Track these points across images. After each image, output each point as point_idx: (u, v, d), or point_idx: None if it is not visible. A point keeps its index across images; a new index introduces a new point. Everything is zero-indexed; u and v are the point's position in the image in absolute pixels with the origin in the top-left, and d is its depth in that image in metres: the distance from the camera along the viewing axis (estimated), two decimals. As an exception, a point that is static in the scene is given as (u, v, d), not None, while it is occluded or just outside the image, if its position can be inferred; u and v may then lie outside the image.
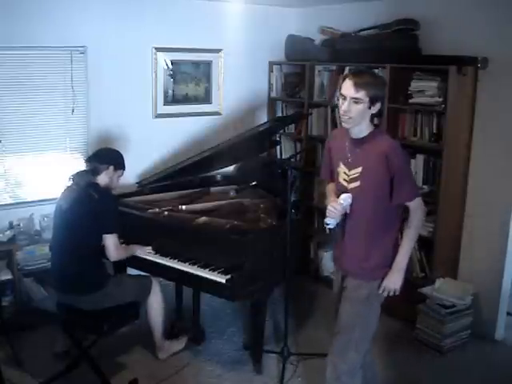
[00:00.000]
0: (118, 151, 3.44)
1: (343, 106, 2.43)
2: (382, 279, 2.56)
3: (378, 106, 2.45)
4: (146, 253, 3.39)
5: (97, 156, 3.35)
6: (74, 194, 3.15)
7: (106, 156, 3.34)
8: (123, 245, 3.35)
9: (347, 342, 2.57)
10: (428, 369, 3.51)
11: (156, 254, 3.38)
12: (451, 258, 3.96)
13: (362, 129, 2.49)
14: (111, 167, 3.28)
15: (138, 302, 3.28)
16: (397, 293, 2.58)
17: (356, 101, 2.40)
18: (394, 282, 2.55)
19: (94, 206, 3.10)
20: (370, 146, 2.48)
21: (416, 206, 2.52)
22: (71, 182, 3.22)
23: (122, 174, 3.41)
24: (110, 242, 3.14)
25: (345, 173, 2.56)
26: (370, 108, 2.43)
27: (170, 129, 4.58)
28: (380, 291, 2.57)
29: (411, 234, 2.55)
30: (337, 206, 2.50)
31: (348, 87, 2.40)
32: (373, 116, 2.49)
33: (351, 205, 2.52)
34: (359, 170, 2.50)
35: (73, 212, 3.12)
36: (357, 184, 2.51)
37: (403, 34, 4.01)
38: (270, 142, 4.17)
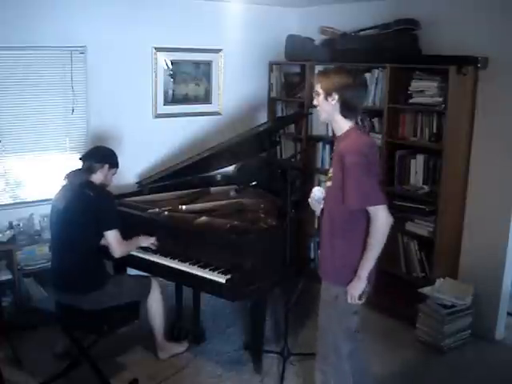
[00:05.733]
0: (111, 149, 3.44)
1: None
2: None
3: (335, 96, 2.42)
4: (151, 243, 3.38)
5: (91, 154, 3.35)
6: (69, 194, 3.16)
7: (101, 154, 3.34)
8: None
9: (326, 346, 2.62)
10: (428, 369, 3.51)
11: (156, 253, 3.38)
12: (451, 258, 3.95)
13: (338, 126, 2.51)
14: (106, 165, 3.28)
15: (137, 301, 3.28)
16: (355, 300, 2.51)
17: (316, 93, 2.49)
18: (353, 288, 2.49)
19: (90, 204, 3.10)
20: (341, 145, 2.48)
21: (373, 215, 2.39)
22: (66, 181, 3.23)
23: (116, 171, 3.42)
24: (112, 238, 3.13)
25: (329, 171, 2.60)
26: (326, 100, 2.45)
27: (169, 129, 4.58)
28: (347, 297, 2.52)
29: (370, 243, 2.42)
30: (311, 199, 2.65)
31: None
32: (342, 112, 2.45)
33: (324, 204, 2.60)
34: (332, 169, 2.53)
35: (69, 211, 3.12)
36: (330, 184, 2.54)
37: (403, 33, 4.01)
38: (270, 142, 4.17)
